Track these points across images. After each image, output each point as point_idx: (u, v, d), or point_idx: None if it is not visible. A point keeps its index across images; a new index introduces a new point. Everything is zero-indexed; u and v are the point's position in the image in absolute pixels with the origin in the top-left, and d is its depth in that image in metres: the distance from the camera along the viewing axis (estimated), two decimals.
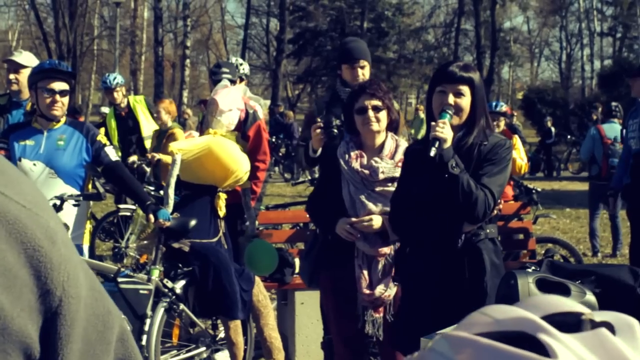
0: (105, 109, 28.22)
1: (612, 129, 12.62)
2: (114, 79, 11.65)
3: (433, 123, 4.31)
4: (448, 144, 4.28)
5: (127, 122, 11.73)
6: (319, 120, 5.83)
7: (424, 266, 4.50)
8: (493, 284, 4.35)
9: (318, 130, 5.65)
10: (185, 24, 50.44)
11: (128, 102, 11.70)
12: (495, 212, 4.52)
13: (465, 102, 4.42)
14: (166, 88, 56.19)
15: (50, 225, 1.12)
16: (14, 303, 1.06)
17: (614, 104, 13.44)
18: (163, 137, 10.57)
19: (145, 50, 56.98)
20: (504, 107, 10.24)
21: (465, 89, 4.41)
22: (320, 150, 5.63)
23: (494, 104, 10.49)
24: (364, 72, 6.23)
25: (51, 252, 1.11)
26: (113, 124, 11.81)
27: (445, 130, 4.26)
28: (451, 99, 4.39)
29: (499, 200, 4.53)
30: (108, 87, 11.59)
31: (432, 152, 4.20)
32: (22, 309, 1.07)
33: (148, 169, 10.62)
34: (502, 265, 4.58)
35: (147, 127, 11.47)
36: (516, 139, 10.03)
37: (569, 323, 0.91)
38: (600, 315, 0.93)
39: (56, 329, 1.11)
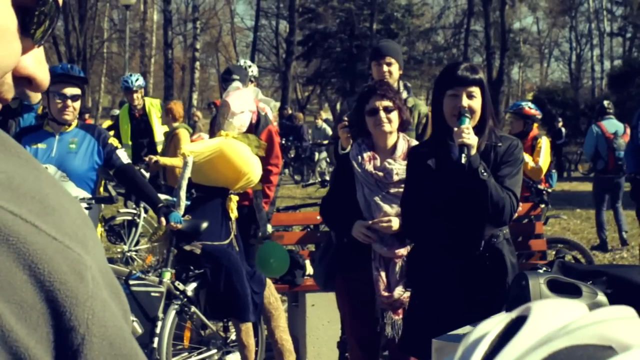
0: (116, 111, 28.30)
1: (612, 125, 13.37)
2: (136, 80, 11.69)
3: (456, 129, 4.29)
4: (475, 149, 4.29)
5: (140, 124, 11.75)
6: (345, 118, 5.85)
7: (442, 269, 4.48)
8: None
9: (344, 129, 5.69)
10: (194, 26, 50.54)
11: (144, 104, 11.72)
12: (516, 214, 4.55)
13: (477, 103, 4.42)
14: (176, 90, 56.25)
15: (81, 259, 1.09)
16: (30, 334, 1.04)
17: (606, 102, 14.03)
18: (168, 138, 10.60)
19: (154, 53, 57.06)
20: (532, 110, 10.15)
21: (476, 91, 4.42)
22: (349, 147, 5.63)
23: (522, 103, 10.46)
24: (391, 70, 6.24)
25: (77, 288, 1.08)
26: (126, 122, 11.84)
27: (471, 136, 4.26)
28: (465, 101, 4.38)
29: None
30: (129, 87, 11.62)
31: (463, 160, 4.20)
32: (37, 342, 1.04)
33: (147, 174, 10.61)
34: (517, 265, 4.61)
35: (160, 131, 11.48)
36: (540, 142, 9.97)
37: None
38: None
39: None
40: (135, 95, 11.68)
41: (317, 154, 26.01)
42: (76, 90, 5.94)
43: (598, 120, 13.65)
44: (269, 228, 7.45)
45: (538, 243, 8.56)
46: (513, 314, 0.78)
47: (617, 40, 64.97)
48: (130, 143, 11.81)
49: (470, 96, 4.41)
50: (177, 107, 11.05)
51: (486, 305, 4.24)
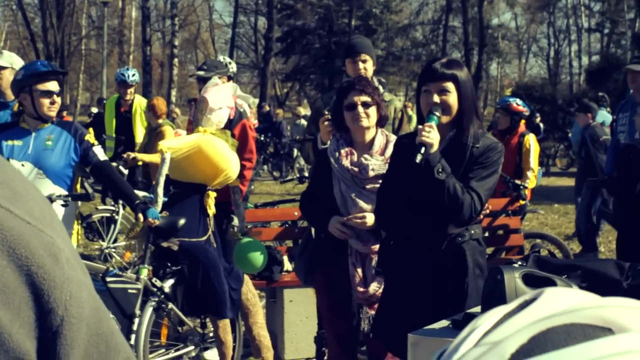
0: (95, 109, 28.20)
1: (601, 115, 13.91)
2: (132, 74, 11.67)
3: (420, 127, 4.28)
4: (434, 148, 4.24)
5: (122, 120, 11.72)
6: (326, 112, 5.85)
7: (408, 262, 4.50)
8: (475, 285, 4.38)
9: (326, 123, 5.68)
10: (173, 23, 50.40)
11: (132, 102, 11.68)
12: (482, 216, 4.53)
13: (452, 99, 4.39)
14: (154, 87, 56.04)
15: (55, 242, 1.11)
16: (13, 319, 1.05)
17: (600, 94, 14.28)
18: (152, 135, 10.55)
19: (133, 50, 56.85)
20: (519, 107, 10.18)
21: (449, 86, 4.38)
22: (329, 142, 5.63)
23: (508, 99, 10.49)
24: (366, 67, 6.23)
25: (54, 270, 1.09)
26: (111, 115, 11.82)
27: (431, 135, 4.22)
28: (436, 97, 4.37)
29: (486, 204, 4.53)
30: (124, 80, 11.60)
31: (418, 158, 4.17)
32: (20, 326, 1.06)
33: (125, 171, 10.57)
34: (486, 265, 4.58)
35: (141, 133, 11.45)
36: (528, 139, 10.01)
37: None
38: None
39: (56, 348, 1.10)
40: (128, 90, 11.67)
41: (295, 150, 26.00)
42: (59, 86, 5.95)
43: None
44: (235, 221, 7.44)
45: (515, 238, 8.59)
46: (527, 296, 0.79)
47: (595, 36, 65.25)
48: (114, 135, 11.80)
49: (442, 92, 4.37)
50: (160, 103, 10.99)
51: (445, 303, 4.29)
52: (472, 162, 4.39)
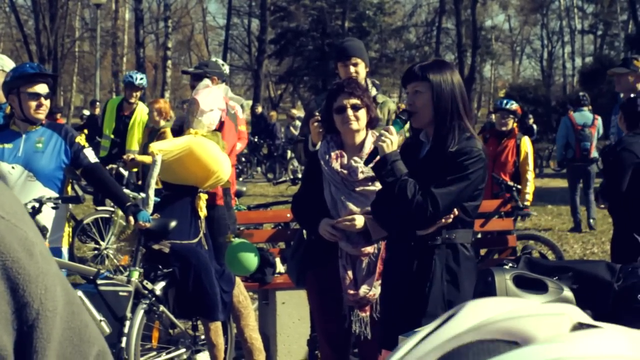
0: (87, 112, 28.16)
1: (582, 117, 14.68)
2: (141, 78, 11.64)
3: (382, 130, 4.38)
4: (387, 151, 4.33)
5: (120, 124, 11.70)
6: (317, 114, 5.84)
7: (391, 263, 4.60)
8: (440, 290, 4.36)
9: (316, 124, 5.67)
10: (166, 25, 50.41)
11: (134, 109, 11.63)
12: (444, 221, 4.43)
13: (421, 100, 4.39)
14: (148, 89, 55.99)
15: (28, 237, 1.11)
16: None
17: (581, 93, 15.26)
18: (154, 137, 10.53)
19: (126, 52, 56.83)
20: (514, 105, 10.16)
21: (422, 87, 4.39)
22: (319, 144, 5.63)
23: (504, 101, 10.46)
24: (358, 70, 6.22)
25: (28, 264, 1.09)
26: (112, 115, 11.79)
27: (386, 139, 4.32)
28: (411, 98, 4.40)
29: (450, 211, 4.40)
30: (131, 82, 11.55)
31: (370, 164, 4.25)
32: None
33: (126, 172, 10.55)
34: (466, 271, 4.48)
35: (136, 141, 11.41)
36: (524, 142, 10.03)
37: None
38: None
39: (32, 342, 1.10)
40: (134, 93, 11.64)
41: (289, 152, 26.01)
42: (47, 88, 5.91)
43: (573, 110, 14.65)
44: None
45: (508, 239, 8.58)
46: (451, 311, 0.77)
47: (588, 37, 65.46)
48: (112, 136, 11.78)
49: (415, 93, 4.41)
50: (167, 106, 11.02)
51: (415, 304, 4.35)
52: (443, 166, 4.36)
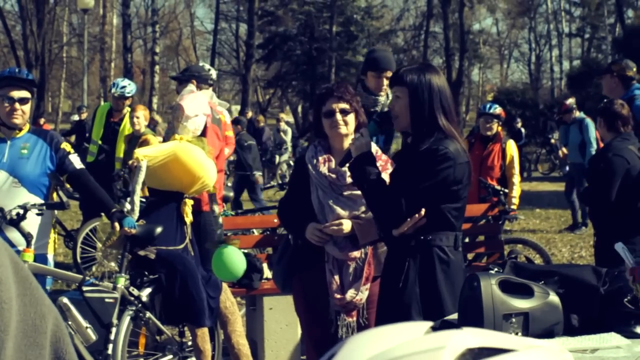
0: (76, 117, 28.10)
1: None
2: (130, 89, 11.59)
3: (358, 133, 4.44)
4: (357, 152, 4.41)
5: (108, 131, 11.66)
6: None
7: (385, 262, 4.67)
8: (413, 294, 4.35)
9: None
10: (154, 30, 50.41)
11: (123, 116, 11.59)
12: (417, 222, 4.40)
13: (399, 105, 4.39)
14: (136, 95, 55.93)
15: None
16: None
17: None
18: (135, 143, 10.51)
19: (114, 57, 56.76)
20: (497, 110, 10.16)
21: (400, 92, 4.39)
22: None
23: (487, 105, 10.45)
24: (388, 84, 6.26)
25: None
26: (101, 119, 11.76)
27: (357, 142, 4.42)
28: (392, 103, 4.43)
29: (416, 210, 4.36)
30: (122, 95, 11.52)
31: (344, 164, 4.29)
32: None
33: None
34: (444, 276, 4.41)
35: (122, 149, 11.39)
36: (510, 146, 10.04)
37: None
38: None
39: None
40: (120, 103, 11.60)
41: (277, 157, 25.97)
42: (24, 94, 5.86)
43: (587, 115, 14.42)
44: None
45: (496, 243, 8.58)
46: (333, 349, 0.75)
47: (575, 40, 65.61)
48: (100, 142, 11.75)
49: (395, 98, 4.44)
50: (146, 113, 11.03)
51: (392, 305, 4.42)
52: (412, 166, 4.37)
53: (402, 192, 4.30)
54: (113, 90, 11.76)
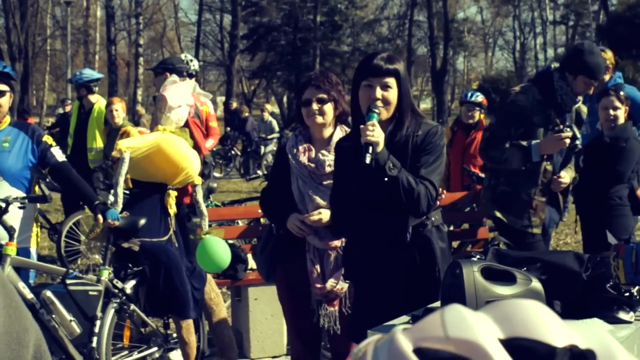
0: (60, 110, 28.06)
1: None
2: (81, 75, 11.61)
3: (362, 127, 4.19)
4: (381, 146, 4.17)
5: (78, 122, 11.62)
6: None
7: (373, 260, 4.44)
8: (443, 269, 4.34)
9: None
10: (137, 22, 50.22)
11: (92, 106, 11.52)
12: (438, 202, 4.48)
13: (393, 94, 4.35)
14: (121, 87, 55.85)
15: None
16: None
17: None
18: (115, 136, 10.47)
19: (98, 50, 56.64)
20: (479, 98, 10.14)
21: (391, 81, 4.34)
22: None
23: (469, 93, 10.44)
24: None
25: None
26: (75, 112, 11.80)
27: (375, 133, 4.14)
28: (379, 92, 4.32)
29: (440, 189, 4.49)
30: (79, 81, 11.53)
31: (368, 159, 4.10)
32: None
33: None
34: (448, 248, 4.60)
35: (93, 139, 11.34)
36: None
37: (537, 355, 0.82)
38: (582, 340, 0.85)
39: None
40: (80, 90, 11.59)
41: (263, 148, 25.96)
42: (2, 87, 5.83)
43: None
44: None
45: (481, 231, 8.57)
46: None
47: (560, 28, 65.81)
48: (71, 134, 11.75)
49: (384, 87, 4.33)
50: (123, 105, 11.01)
51: (421, 293, 4.24)
52: (417, 151, 4.34)
53: (432, 175, 4.31)
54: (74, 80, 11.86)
